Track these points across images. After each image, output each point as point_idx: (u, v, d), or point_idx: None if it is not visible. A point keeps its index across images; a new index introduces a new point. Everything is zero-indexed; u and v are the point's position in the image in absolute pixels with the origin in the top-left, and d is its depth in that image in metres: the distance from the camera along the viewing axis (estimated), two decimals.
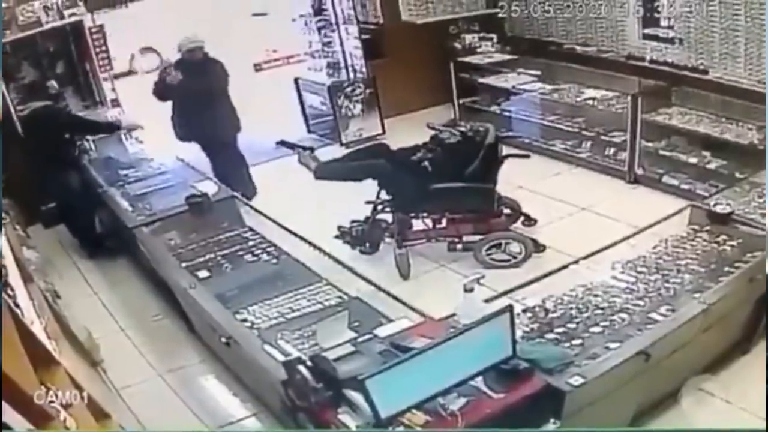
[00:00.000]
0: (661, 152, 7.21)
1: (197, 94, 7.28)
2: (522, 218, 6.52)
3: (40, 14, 7.48)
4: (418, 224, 6.29)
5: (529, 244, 6.12)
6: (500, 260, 6.12)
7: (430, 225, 6.29)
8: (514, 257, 6.11)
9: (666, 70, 7.44)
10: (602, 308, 4.36)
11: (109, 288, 6.53)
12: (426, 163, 6.07)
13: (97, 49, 7.88)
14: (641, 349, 3.92)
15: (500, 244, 6.12)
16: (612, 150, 7.62)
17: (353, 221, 6.37)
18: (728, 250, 4.85)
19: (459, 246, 6.22)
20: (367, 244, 6.33)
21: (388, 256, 6.21)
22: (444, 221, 6.25)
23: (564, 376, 3.72)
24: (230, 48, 7.96)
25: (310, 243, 5.51)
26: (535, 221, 6.57)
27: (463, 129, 6.33)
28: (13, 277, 3.66)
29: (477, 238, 6.16)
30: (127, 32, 7.93)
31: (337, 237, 6.35)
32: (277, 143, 6.96)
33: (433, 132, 6.35)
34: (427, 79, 9.54)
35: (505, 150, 6.30)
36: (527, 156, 6.55)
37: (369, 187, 6.23)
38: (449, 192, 6.02)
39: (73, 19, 7.68)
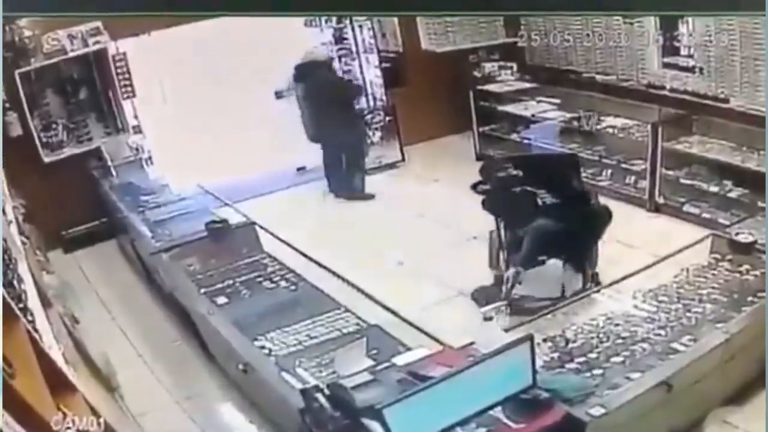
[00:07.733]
0: (682, 181, 7.16)
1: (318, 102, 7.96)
2: None
3: (65, 42, 7.59)
4: None
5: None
6: None
7: None
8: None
9: (686, 99, 7.41)
10: (623, 337, 4.34)
11: (128, 314, 6.54)
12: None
13: (120, 77, 7.96)
14: (663, 380, 3.89)
15: None
16: (632, 178, 7.57)
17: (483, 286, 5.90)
18: (750, 280, 4.81)
19: None
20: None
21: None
22: None
23: (585, 407, 3.69)
24: (251, 75, 8.03)
25: (327, 269, 5.52)
26: None
27: None
28: (33, 302, 3.67)
29: None
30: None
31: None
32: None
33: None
34: (447, 107, 9.54)
35: None
36: None
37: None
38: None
39: (97, 47, 7.77)
